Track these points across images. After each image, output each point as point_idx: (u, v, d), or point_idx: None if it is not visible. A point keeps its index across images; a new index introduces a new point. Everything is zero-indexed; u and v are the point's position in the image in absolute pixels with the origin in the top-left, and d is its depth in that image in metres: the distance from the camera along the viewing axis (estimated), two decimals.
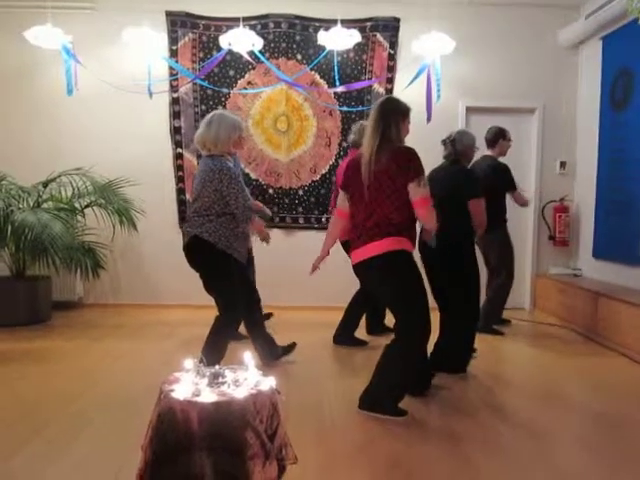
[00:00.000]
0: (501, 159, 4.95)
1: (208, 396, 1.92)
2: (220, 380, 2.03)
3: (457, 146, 3.78)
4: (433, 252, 3.61)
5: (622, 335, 4.41)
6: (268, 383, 2.05)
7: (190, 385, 1.98)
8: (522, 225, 6.10)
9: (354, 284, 4.41)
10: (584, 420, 3.10)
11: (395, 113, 2.96)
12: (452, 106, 5.90)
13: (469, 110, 5.99)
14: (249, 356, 2.14)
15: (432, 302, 3.69)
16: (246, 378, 2.07)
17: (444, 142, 3.86)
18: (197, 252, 3.44)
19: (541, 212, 6.06)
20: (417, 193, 2.83)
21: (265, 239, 3.61)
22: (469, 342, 3.80)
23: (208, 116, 3.46)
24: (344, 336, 4.47)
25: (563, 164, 6.06)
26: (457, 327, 3.72)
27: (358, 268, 3.00)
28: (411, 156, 2.87)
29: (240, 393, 1.95)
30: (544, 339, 4.88)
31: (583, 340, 4.83)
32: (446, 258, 3.60)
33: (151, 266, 5.98)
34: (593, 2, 5.50)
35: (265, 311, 4.33)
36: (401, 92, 5.75)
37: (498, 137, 4.94)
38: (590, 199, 5.72)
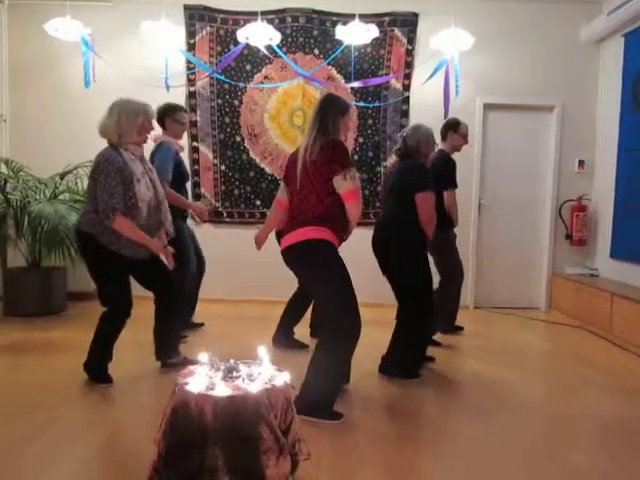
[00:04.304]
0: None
1: (222, 390, 1.92)
2: (234, 374, 2.03)
3: (408, 141, 3.60)
4: (386, 250, 3.52)
5: (638, 336, 4.36)
6: (282, 378, 2.05)
7: (205, 378, 1.99)
8: (539, 224, 6.05)
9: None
10: (599, 422, 3.05)
11: (333, 109, 2.92)
12: (470, 102, 5.84)
13: (487, 107, 5.91)
14: (263, 351, 2.14)
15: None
16: (260, 373, 2.07)
17: (399, 138, 3.71)
18: (80, 247, 3.30)
19: (558, 211, 6.00)
20: (342, 186, 2.79)
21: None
22: (422, 345, 3.65)
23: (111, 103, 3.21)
24: (280, 337, 4.17)
25: (582, 163, 5.98)
26: (407, 328, 3.54)
27: (284, 255, 2.96)
28: (336, 149, 2.81)
29: (254, 387, 1.95)
30: (559, 339, 4.83)
31: (599, 340, 4.77)
32: (398, 256, 3.48)
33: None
34: None
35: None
36: (419, 88, 5.74)
37: (447, 129, 4.41)
38: (608, 199, 5.65)
